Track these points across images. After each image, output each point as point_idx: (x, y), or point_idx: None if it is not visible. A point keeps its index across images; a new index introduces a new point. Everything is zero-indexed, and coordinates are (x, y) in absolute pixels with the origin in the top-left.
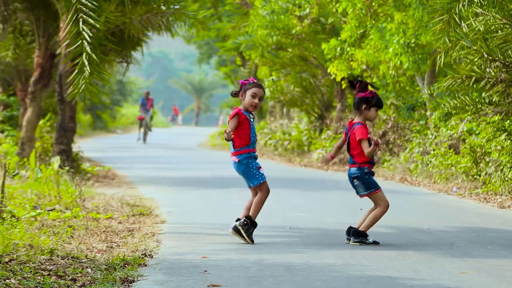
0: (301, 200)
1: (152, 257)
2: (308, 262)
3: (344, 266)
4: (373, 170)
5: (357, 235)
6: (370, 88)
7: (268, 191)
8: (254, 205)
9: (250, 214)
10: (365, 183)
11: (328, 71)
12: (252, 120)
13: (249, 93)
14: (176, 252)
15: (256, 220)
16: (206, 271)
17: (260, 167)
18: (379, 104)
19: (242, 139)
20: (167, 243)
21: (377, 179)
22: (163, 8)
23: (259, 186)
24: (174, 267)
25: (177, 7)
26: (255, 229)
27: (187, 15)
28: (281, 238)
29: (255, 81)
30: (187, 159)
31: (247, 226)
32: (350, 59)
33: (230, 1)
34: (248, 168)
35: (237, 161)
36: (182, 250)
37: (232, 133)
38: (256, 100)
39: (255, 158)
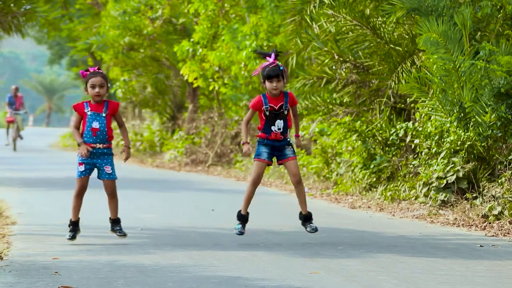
0: (153, 201)
1: (2, 259)
2: (159, 263)
3: (195, 267)
4: None
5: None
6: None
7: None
8: None
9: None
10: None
11: (181, 72)
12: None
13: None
14: (27, 254)
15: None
16: (56, 272)
17: (80, 164)
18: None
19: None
20: (17, 245)
21: (229, 180)
22: (14, 8)
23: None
24: (24, 268)
25: (28, 7)
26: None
27: (38, 15)
28: (132, 239)
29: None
30: (38, 160)
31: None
32: (202, 60)
33: (81, 1)
34: None
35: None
36: (32, 252)
37: None
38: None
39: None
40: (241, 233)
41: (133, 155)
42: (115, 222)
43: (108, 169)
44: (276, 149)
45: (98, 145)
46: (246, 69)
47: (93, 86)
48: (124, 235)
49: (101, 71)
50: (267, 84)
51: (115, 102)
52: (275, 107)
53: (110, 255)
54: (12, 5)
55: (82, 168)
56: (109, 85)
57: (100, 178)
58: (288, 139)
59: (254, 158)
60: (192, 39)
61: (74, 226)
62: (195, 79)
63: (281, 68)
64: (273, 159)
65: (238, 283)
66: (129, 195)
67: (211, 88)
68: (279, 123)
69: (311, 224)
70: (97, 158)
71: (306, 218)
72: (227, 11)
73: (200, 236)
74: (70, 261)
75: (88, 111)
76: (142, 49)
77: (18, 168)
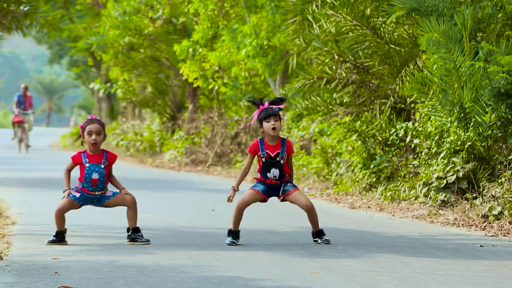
0: (152, 201)
1: (2, 258)
2: (159, 263)
3: (195, 267)
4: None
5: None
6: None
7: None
8: None
9: None
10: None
11: (180, 72)
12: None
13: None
14: (27, 254)
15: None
16: (56, 272)
17: (76, 191)
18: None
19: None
20: (17, 245)
21: (229, 180)
22: (13, 8)
23: None
24: (24, 268)
25: (27, 7)
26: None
27: (38, 15)
28: None
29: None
30: (38, 160)
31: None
32: (202, 60)
33: (81, 1)
34: None
35: None
36: (32, 252)
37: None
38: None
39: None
40: (233, 243)
41: (133, 155)
42: (135, 231)
43: (108, 193)
44: (273, 189)
45: (96, 193)
46: (245, 67)
47: (90, 133)
48: (147, 241)
49: (98, 118)
50: (265, 125)
51: (114, 154)
52: (271, 154)
53: (110, 255)
54: (12, 5)
55: (78, 195)
56: (105, 134)
57: (104, 204)
58: (287, 180)
59: (250, 188)
60: (192, 39)
61: (59, 235)
62: (195, 79)
63: (277, 109)
64: (269, 198)
65: (238, 283)
66: None
67: (210, 87)
68: (275, 172)
69: (323, 237)
70: (93, 202)
71: (318, 233)
72: (227, 11)
73: (200, 236)
74: (70, 261)
75: (86, 162)
76: (142, 49)
77: (18, 168)
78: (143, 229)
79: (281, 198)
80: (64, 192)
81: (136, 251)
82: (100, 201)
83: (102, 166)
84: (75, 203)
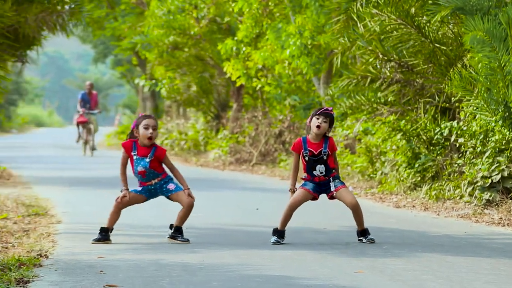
0: (197, 200)
1: (47, 257)
2: (204, 262)
3: (241, 266)
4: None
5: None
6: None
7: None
8: None
9: None
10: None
11: (224, 70)
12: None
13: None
14: (72, 252)
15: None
16: (102, 271)
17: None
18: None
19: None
20: (62, 243)
21: (274, 179)
22: (58, 7)
23: None
24: (69, 267)
25: (72, 6)
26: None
27: (82, 14)
28: None
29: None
30: (83, 159)
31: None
32: (246, 58)
33: (125, 0)
34: None
35: None
36: (77, 250)
37: None
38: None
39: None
40: (277, 242)
41: (178, 154)
42: (178, 230)
43: (171, 186)
44: (323, 185)
45: (152, 182)
46: (290, 67)
47: (146, 127)
48: (187, 240)
49: (153, 116)
50: (313, 120)
51: (163, 149)
52: (314, 152)
53: (155, 254)
54: (57, 4)
55: (139, 188)
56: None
57: (168, 196)
58: (335, 176)
59: (299, 187)
60: (236, 38)
61: (103, 232)
62: (238, 77)
63: (333, 114)
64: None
65: (283, 282)
66: None
67: (254, 84)
68: (320, 168)
69: (368, 236)
70: (156, 192)
71: (362, 232)
72: (271, 10)
73: (245, 235)
74: (115, 260)
75: (135, 155)
76: (187, 48)
77: (64, 167)
78: (188, 228)
79: (330, 195)
80: (121, 191)
81: (181, 250)
82: (164, 192)
83: (147, 160)
84: (139, 197)
